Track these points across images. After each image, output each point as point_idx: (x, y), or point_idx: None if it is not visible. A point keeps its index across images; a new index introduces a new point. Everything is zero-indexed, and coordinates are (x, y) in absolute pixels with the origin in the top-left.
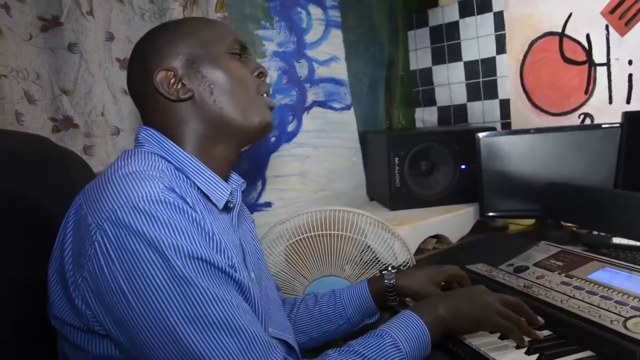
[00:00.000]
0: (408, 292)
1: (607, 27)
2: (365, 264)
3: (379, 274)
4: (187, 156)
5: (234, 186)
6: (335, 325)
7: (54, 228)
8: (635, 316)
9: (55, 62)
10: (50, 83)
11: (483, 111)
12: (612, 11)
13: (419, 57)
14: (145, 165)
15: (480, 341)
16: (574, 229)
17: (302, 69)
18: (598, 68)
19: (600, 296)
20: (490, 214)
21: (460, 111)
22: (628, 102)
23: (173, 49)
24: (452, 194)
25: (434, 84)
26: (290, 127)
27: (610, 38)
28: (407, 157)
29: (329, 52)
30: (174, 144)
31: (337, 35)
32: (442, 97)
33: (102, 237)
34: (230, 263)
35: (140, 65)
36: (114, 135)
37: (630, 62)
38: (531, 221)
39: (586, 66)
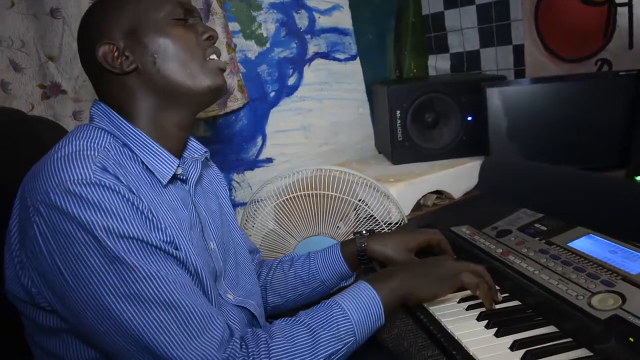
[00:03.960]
0: (379, 256)
1: None
2: (361, 221)
3: (352, 237)
4: (134, 131)
5: (195, 155)
6: (310, 288)
7: None
8: (601, 292)
9: (39, 28)
10: (36, 50)
11: (496, 58)
12: None
13: (431, 1)
14: (87, 143)
15: (442, 312)
16: None
17: (301, 20)
18: (619, 9)
19: (574, 267)
20: None
21: (473, 58)
22: None
23: (113, 21)
24: (458, 147)
25: (447, 30)
26: (291, 81)
27: None
28: (410, 109)
29: (331, 1)
30: (122, 119)
31: None
32: (455, 44)
33: (38, 219)
34: (168, 239)
35: (85, 41)
36: None
37: None
38: None
39: (605, 7)
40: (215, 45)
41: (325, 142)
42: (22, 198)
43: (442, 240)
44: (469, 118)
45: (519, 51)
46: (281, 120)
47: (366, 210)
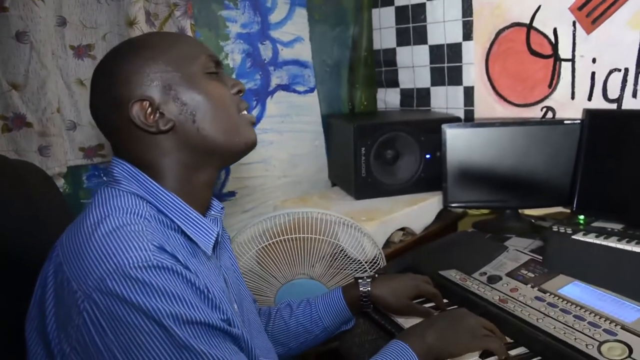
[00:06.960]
0: (381, 302)
1: (574, 24)
2: (334, 259)
3: (353, 281)
4: (167, 195)
5: (213, 213)
6: (313, 336)
7: (15, 255)
8: (608, 341)
9: (2, 53)
10: None
11: (447, 97)
12: (581, 8)
13: (383, 37)
14: (127, 215)
15: None
16: (533, 220)
17: (266, 51)
18: (563, 63)
19: (574, 316)
20: (454, 204)
21: (423, 95)
22: (589, 99)
23: (145, 75)
24: (416, 183)
25: (398, 66)
26: (254, 113)
27: (577, 35)
28: (373, 146)
29: (294, 33)
30: (153, 181)
31: (302, 15)
32: (406, 79)
33: (91, 307)
34: (225, 317)
35: (109, 97)
36: (70, 130)
37: (594, 61)
38: None
39: (551, 60)
40: None
41: (284, 175)
42: (59, 278)
43: (436, 295)
44: (428, 156)
45: (469, 92)
46: None
47: (340, 248)
